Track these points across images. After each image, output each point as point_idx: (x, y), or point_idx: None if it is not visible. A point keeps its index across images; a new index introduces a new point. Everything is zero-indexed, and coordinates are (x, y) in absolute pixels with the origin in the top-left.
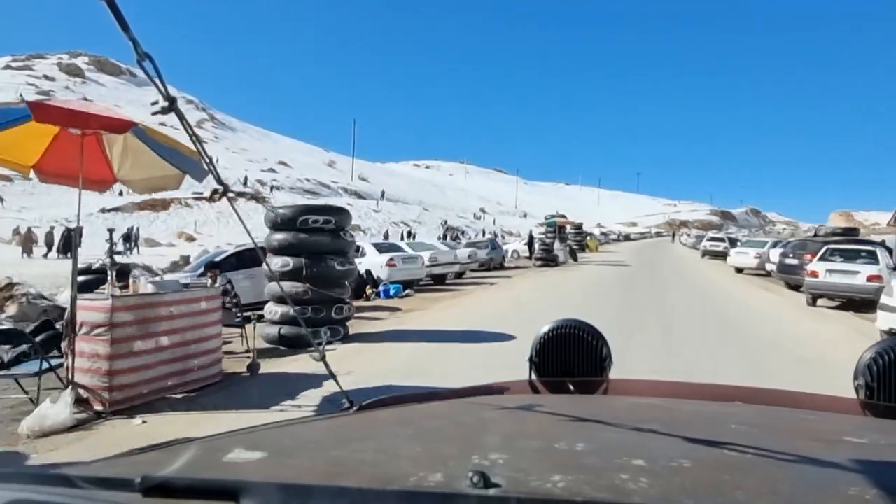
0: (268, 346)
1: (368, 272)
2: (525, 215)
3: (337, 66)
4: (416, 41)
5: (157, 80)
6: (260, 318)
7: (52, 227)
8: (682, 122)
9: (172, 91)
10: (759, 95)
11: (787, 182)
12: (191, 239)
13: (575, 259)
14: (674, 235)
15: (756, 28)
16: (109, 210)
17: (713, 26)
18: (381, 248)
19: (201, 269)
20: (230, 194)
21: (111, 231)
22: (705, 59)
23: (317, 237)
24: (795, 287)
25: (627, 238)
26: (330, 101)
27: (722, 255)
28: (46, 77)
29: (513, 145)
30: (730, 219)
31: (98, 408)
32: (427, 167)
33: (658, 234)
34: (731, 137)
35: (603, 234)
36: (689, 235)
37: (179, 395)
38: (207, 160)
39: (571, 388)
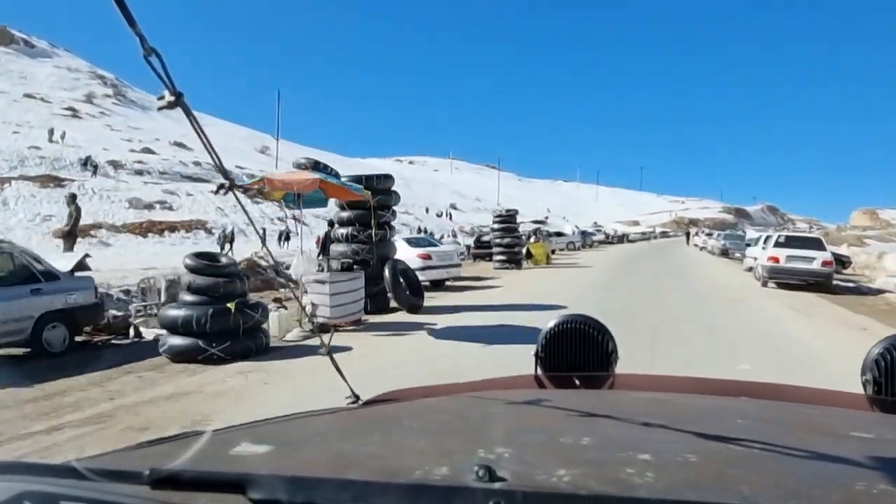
0: None
1: None
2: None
3: (328, 57)
4: (414, 36)
5: (163, 76)
6: None
7: None
8: (689, 117)
9: (83, 65)
10: (771, 87)
11: (803, 179)
12: None
13: (413, 305)
14: (688, 236)
15: (770, 21)
16: None
17: (720, 17)
18: None
19: None
20: (236, 189)
21: None
22: (711, 53)
23: None
24: None
25: (622, 239)
26: (322, 94)
27: (823, 283)
28: None
29: (511, 143)
30: (745, 217)
31: None
32: (411, 162)
33: (664, 234)
34: (743, 132)
35: (584, 233)
36: (709, 235)
37: None
38: (212, 153)
39: (577, 382)
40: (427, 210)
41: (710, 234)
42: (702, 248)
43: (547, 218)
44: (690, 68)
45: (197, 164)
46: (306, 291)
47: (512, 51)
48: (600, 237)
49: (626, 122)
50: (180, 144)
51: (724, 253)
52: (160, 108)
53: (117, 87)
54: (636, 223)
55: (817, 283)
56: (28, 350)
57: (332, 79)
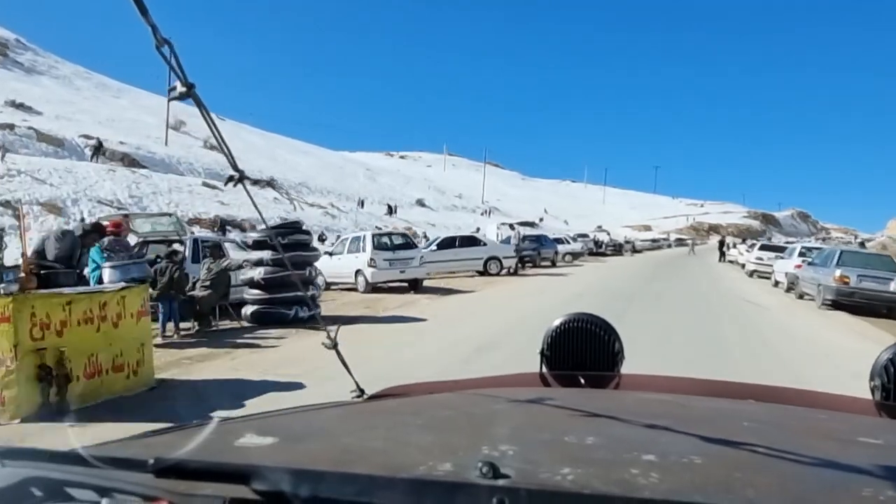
0: None
1: None
2: (489, 212)
3: (329, 50)
4: (418, 33)
5: (175, 66)
6: None
7: None
8: (708, 115)
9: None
10: (800, 83)
11: (834, 184)
12: None
13: None
14: (723, 248)
15: (801, 18)
16: None
17: (746, 11)
18: None
19: None
20: (246, 182)
21: None
22: (730, 46)
23: None
24: None
25: (620, 249)
26: (332, 87)
27: None
28: None
29: (519, 142)
30: (773, 223)
31: None
32: (402, 157)
33: (680, 242)
34: (768, 131)
35: (541, 240)
36: (777, 250)
37: None
38: (222, 143)
39: (583, 381)
40: (362, 204)
41: (777, 249)
42: (752, 273)
43: (542, 220)
44: (709, 62)
45: (10, 127)
46: None
47: (522, 44)
48: (575, 246)
49: (641, 120)
50: (23, 106)
51: (842, 299)
52: (171, 99)
53: (7, 46)
54: (647, 228)
55: None
56: None
57: (324, 64)
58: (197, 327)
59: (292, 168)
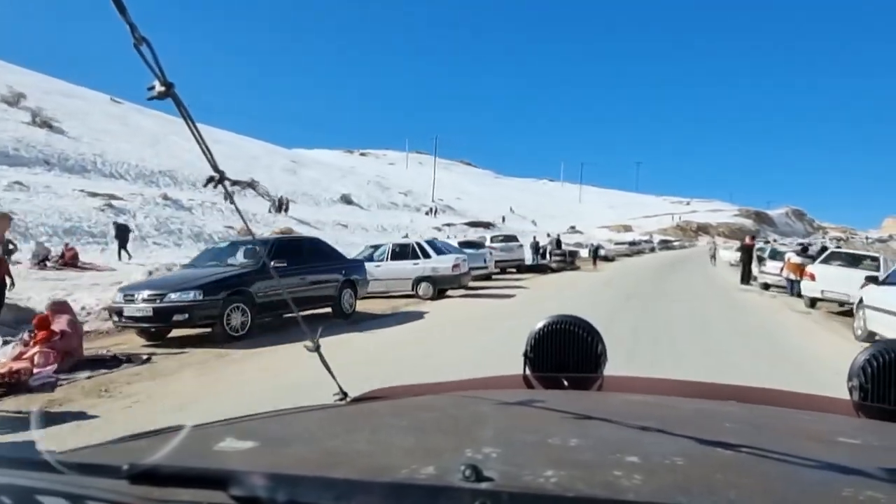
0: None
1: None
2: (434, 211)
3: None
4: (400, 33)
5: (153, 65)
6: None
7: None
8: (692, 109)
9: None
10: (790, 75)
11: (827, 180)
12: None
13: None
14: (750, 259)
15: (793, 16)
16: None
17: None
18: None
19: None
20: (227, 182)
21: None
22: (718, 38)
23: None
24: None
25: (574, 257)
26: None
27: None
28: None
29: (497, 140)
30: (767, 222)
31: None
32: (363, 154)
33: (665, 245)
34: (756, 127)
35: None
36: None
37: None
38: (204, 147)
39: (566, 383)
40: (229, 197)
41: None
42: None
43: (504, 219)
44: (692, 57)
45: None
46: None
47: (505, 42)
48: (442, 262)
49: (623, 117)
50: None
51: None
52: (150, 99)
53: None
54: (627, 228)
55: None
56: None
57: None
58: None
59: (174, 156)
